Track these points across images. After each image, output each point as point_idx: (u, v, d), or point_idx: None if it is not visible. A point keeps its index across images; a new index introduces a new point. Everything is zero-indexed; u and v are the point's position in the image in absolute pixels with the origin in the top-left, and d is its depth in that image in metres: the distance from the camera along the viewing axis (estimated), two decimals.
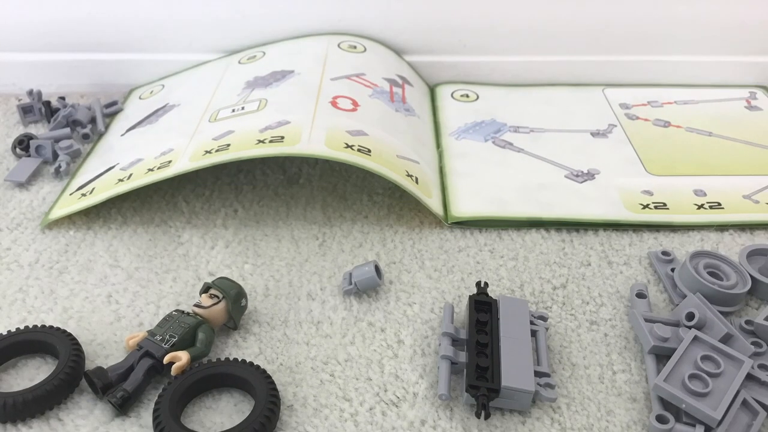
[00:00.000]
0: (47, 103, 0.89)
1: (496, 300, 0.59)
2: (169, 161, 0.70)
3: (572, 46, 0.95)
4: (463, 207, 0.73)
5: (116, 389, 0.52)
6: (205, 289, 0.60)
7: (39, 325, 0.58)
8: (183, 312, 0.58)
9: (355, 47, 0.91)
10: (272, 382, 0.53)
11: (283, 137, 0.69)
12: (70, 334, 0.57)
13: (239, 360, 0.55)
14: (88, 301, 0.63)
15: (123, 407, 0.52)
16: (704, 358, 0.54)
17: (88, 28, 0.93)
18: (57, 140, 0.83)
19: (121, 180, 0.71)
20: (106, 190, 0.71)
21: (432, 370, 0.57)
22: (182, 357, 0.54)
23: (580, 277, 0.66)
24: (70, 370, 0.53)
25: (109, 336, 0.59)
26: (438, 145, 0.84)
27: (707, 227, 0.72)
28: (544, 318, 0.60)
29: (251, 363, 0.55)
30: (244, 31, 0.93)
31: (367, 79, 0.85)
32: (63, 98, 0.91)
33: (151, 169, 0.70)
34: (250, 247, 0.70)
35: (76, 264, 0.67)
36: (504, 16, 0.93)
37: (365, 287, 0.63)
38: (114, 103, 0.92)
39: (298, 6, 0.92)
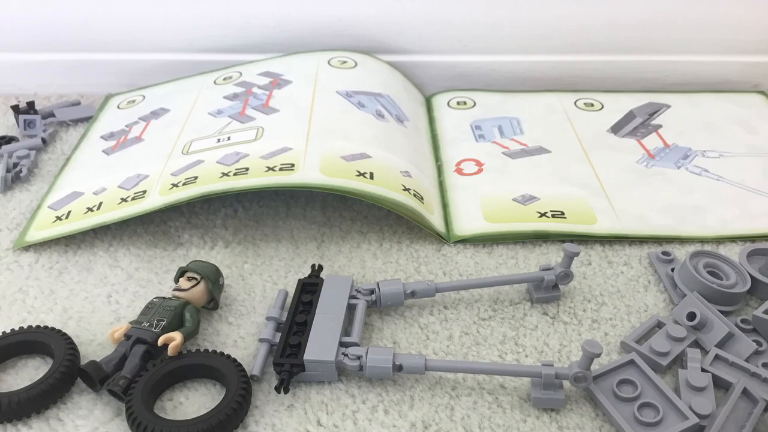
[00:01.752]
0: (15, 108, 0.88)
1: (323, 280, 0.61)
2: (144, 191, 0.69)
3: (572, 46, 0.95)
4: (467, 224, 0.71)
5: (115, 378, 0.53)
6: (181, 273, 0.61)
7: (35, 326, 0.58)
8: (164, 298, 0.59)
9: (345, 62, 0.89)
10: (244, 372, 0.54)
11: (293, 164, 0.68)
12: (64, 334, 0.57)
13: (217, 352, 0.55)
14: (88, 301, 0.63)
15: (125, 394, 0.52)
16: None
17: (87, 28, 0.93)
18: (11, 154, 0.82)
19: (90, 209, 0.69)
20: (80, 217, 0.69)
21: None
22: (176, 337, 0.55)
23: (581, 276, 0.66)
24: (66, 369, 0.53)
25: (109, 336, 0.59)
26: (437, 158, 0.82)
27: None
28: (372, 292, 0.61)
29: (222, 353, 0.55)
30: (244, 30, 0.93)
31: (358, 96, 0.82)
32: (32, 102, 0.89)
33: (124, 199, 0.69)
34: (249, 247, 0.70)
35: (76, 264, 0.67)
36: (504, 16, 0.93)
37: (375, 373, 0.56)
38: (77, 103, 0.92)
39: (298, 5, 0.92)
